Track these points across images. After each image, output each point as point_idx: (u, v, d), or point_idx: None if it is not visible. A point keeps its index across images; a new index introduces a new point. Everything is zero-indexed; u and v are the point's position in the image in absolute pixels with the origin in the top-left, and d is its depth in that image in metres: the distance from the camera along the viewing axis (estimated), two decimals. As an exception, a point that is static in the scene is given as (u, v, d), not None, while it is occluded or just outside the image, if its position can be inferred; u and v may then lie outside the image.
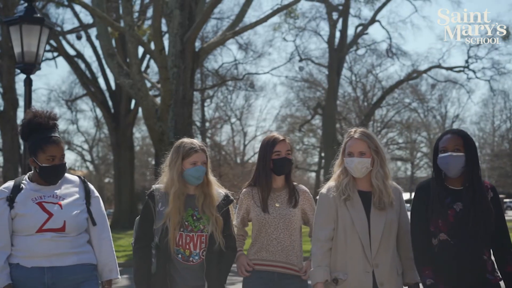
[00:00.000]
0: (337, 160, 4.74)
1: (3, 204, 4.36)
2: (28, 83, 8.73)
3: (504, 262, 4.32)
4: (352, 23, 49.58)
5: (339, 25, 39.34)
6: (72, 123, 52.38)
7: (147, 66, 36.57)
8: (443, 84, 52.19)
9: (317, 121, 48.80)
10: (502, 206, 4.48)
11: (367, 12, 34.22)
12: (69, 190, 4.54)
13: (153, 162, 31.85)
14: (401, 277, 4.59)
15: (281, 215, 4.89)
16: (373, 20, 39.20)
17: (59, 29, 34.89)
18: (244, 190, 5.09)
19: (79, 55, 35.82)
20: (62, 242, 4.36)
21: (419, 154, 71.75)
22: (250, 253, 4.97)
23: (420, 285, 4.51)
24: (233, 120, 56.45)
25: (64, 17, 70.11)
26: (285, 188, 5.04)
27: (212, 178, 4.76)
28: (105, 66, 33.75)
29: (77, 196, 4.53)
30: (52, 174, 4.45)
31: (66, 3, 31.09)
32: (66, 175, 4.58)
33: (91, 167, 61.37)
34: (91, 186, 4.66)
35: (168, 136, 18.02)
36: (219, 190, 4.79)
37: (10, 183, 4.51)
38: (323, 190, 4.67)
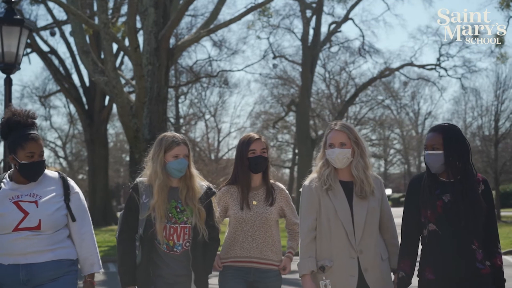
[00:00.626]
0: (319, 153, 4.88)
1: None
2: (8, 82, 8.94)
3: (492, 254, 4.42)
4: (326, 20, 49.93)
5: (313, 23, 39.38)
6: (46, 119, 52.00)
7: (121, 63, 36.56)
8: (416, 81, 52.62)
9: (291, 117, 48.81)
10: (492, 199, 4.57)
11: (340, 10, 34.51)
12: (47, 188, 4.57)
13: (127, 159, 31.85)
14: (386, 262, 4.74)
15: (258, 213, 5.02)
16: (346, 18, 39.24)
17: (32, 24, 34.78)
18: (223, 188, 5.20)
19: (53, 51, 35.68)
20: (38, 240, 4.40)
21: (392, 151, 72.27)
22: (225, 251, 5.11)
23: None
24: (207, 116, 56.31)
25: (38, 13, 69.28)
26: (263, 187, 5.17)
27: (195, 171, 4.85)
28: (79, 63, 33.69)
29: (54, 194, 4.56)
30: (32, 170, 4.48)
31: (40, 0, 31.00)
32: (46, 171, 4.63)
33: (64, 164, 60.78)
34: (71, 182, 4.68)
35: (143, 133, 18.10)
36: (201, 183, 4.86)
37: None
38: (306, 182, 4.82)
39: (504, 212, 42.97)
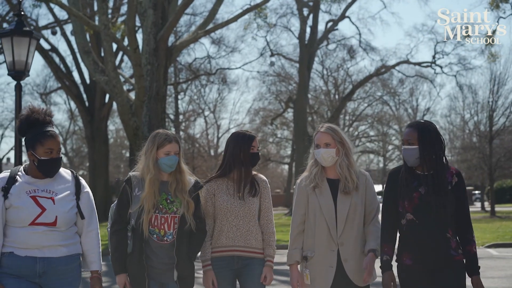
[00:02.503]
0: (310, 154, 5.21)
1: None
2: (18, 88, 9.59)
3: (465, 241, 4.71)
4: (323, 18, 50.01)
5: (310, 21, 39.53)
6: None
7: (121, 61, 36.79)
8: (414, 78, 52.82)
9: (290, 114, 48.74)
10: (465, 190, 4.82)
11: (337, 8, 34.45)
12: (61, 186, 4.67)
13: (127, 155, 32.11)
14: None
15: (241, 204, 5.20)
16: (343, 16, 39.44)
17: (33, 23, 35.15)
18: (212, 181, 5.35)
19: (54, 49, 35.83)
20: (53, 236, 4.52)
21: (390, 147, 72.31)
22: (213, 241, 5.24)
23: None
24: (206, 113, 56.31)
25: (39, 12, 69.61)
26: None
27: (184, 166, 5.08)
28: (80, 60, 33.86)
29: (68, 192, 4.67)
30: (50, 167, 4.59)
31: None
32: (60, 169, 4.73)
33: (65, 160, 60.84)
34: (82, 181, 4.82)
35: (143, 131, 18.53)
36: (189, 177, 5.09)
37: (5, 174, 4.61)
38: (298, 180, 5.19)
39: (499, 208, 43.19)
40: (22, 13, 9.55)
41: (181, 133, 49.28)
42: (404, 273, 4.75)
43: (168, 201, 4.97)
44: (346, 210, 4.96)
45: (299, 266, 5.16)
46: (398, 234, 4.88)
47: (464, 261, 4.72)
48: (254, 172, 5.40)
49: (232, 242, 5.17)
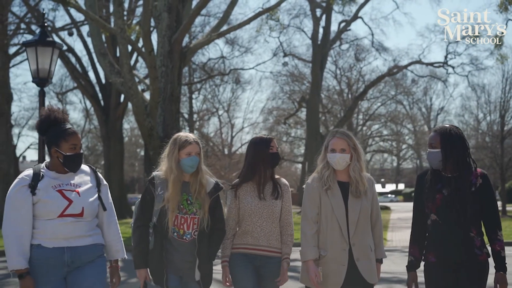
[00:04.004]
0: (320, 155, 5.38)
1: (26, 191, 4.65)
2: (42, 94, 10.19)
3: (492, 240, 4.84)
4: (336, 19, 50.16)
5: (323, 22, 39.69)
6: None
7: (136, 61, 37.12)
8: (428, 77, 52.85)
9: (303, 113, 48.89)
10: (492, 191, 4.96)
11: (351, 6, 34.43)
12: (83, 179, 4.88)
13: (142, 153, 32.51)
14: (374, 252, 5.29)
15: (265, 206, 5.42)
16: (355, 17, 39.53)
17: (50, 24, 35.62)
18: (237, 181, 5.58)
19: (70, 49, 36.20)
20: (79, 226, 4.71)
21: (404, 146, 72.12)
22: (237, 238, 5.48)
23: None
24: (220, 112, 56.71)
25: (56, 14, 70.18)
26: (270, 182, 5.55)
27: (204, 168, 5.29)
28: (96, 61, 34.34)
29: (90, 185, 4.89)
30: (75, 162, 4.80)
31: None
32: None
33: (80, 158, 61.24)
34: (100, 175, 5.03)
35: (157, 131, 18.93)
36: (210, 179, 5.29)
37: (29, 171, 4.77)
38: (309, 180, 5.34)
39: (510, 207, 43.33)
40: (46, 24, 10.11)
41: (195, 132, 49.59)
42: (429, 270, 4.97)
43: (189, 202, 5.18)
44: (357, 212, 5.18)
45: None
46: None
47: (489, 260, 4.87)
48: (277, 176, 5.64)
49: (256, 242, 5.42)
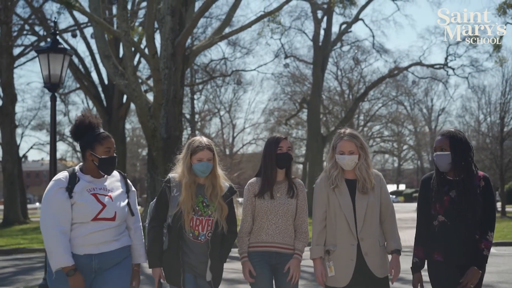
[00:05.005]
0: (329, 154, 5.61)
1: (64, 193, 4.74)
2: (53, 98, 10.55)
3: (480, 239, 5.06)
4: (337, 21, 50.37)
5: (324, 24, 39.74)
6: (64, 114, 52.70)
7: (139, 62, 37.37)
8: (429, 78, 52.95)
9: (304, 114, 48.97)
10: (492, 194, 5.18)
11: (351, 9, 34.23)
12: (114, 184, 5.02)
13: (143, 153, 32.55)
14: (383, 247, 5.43)
15: (280, 204, 5.57)
16: (356, 19, 39.38)
17: (53, 25, 35.83)
18: (253, 179, 5.76)
19: (73, 50, 36.69)
20: (109, 231, 4.85)
21: (405, 147, 72.17)
22: (253, 236, 5.65)
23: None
24: (222, 112, 56.87)
25: (60, 15, 70.33)
26: (285, 181, 5.70)
27: (220, 172, 5.43)
28: (98, 61, 34.48)
29: (121, 190, 5.03)
30: (110, 164, 4.95)
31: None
32: None
33: (81, 158, 61.28)
34: (129, 181, 5.18)
35: (160, 132, 19.21)
36: (225, 182, 5.45)
37: (65, 174, 4.87)
38: (318, 180, 5.57)
39: (510, 208, 43.65)
40: (57, 32, 10.50)
41: (197, 132, 49.80)
42: (434, 269, 5.17)
43: (204, 204, 5.33)
44: (364, 208, 5.34)
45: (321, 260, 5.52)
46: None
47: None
48: (293, 176, 5.79)
49: (271, 239, 5.58)
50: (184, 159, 5.35)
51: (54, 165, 10.77)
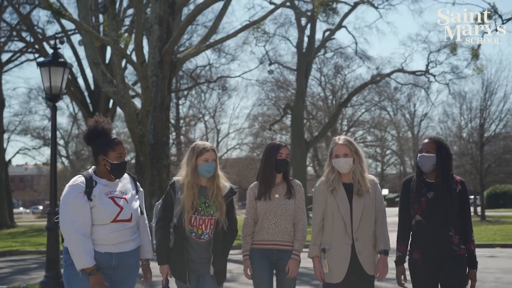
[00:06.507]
0: (326, 162, 5.93)
1: (83, 196, 4.89)
2: (54, 109, 11.11)
3: (466, 240, 5.49)
4: (320, 28, 50.34)
5: (308, 31, 40.02)
6: (49, 119, 52.61)
7: (125, 67, 37.68)
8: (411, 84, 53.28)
9: (288, 119, 48.76)
10: (468, 197, 5.59)
11: (334, 18, 34.21)
12: (126, 186, 5.19)
13: (133, 161, 32.72)
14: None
15: (279, 205, 5.94)
16: (340, 26, 39.68)
17: (41, 31, 36.09)
18: (251, 185, 6.10)
19: (60, 56, 36.70)
20: (126, 231, 5.06)
21: (388, 152, 72.47)
22: (255, 235, 6.02)
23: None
24: (206, 118, 56.78)
25: (46, 20, 70.33)
26: (283, 183, 6.06)
27: (221, 173, 5.67)
28: (85, 67, 34.81)
29: (133, 191, 5.23)
30: (121, 170, 5.11)
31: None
32: None
33: (66, 162, 61.29)
34: (137, 182, 5.37)
35: (148, 138, 19.61)
36: (225, 183, 5.68)
37: (82, 178, 5.00)
38: (317, 184, 5.87)
39: (491, 213, 44.07)
40: (59, 46, 11.12)
41: (181, 137, 50.07)
42: (413, 266, 5.53)
43: (206, 204, 5.56)
44: (361, 209, 5.65)
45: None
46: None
47: (466, 256, 5.49)
48: (291, 178, 6.16)
49: (272, 237, 5.95)
50: (188, 162, 5.58)
51: (54, 172, 11.13)
